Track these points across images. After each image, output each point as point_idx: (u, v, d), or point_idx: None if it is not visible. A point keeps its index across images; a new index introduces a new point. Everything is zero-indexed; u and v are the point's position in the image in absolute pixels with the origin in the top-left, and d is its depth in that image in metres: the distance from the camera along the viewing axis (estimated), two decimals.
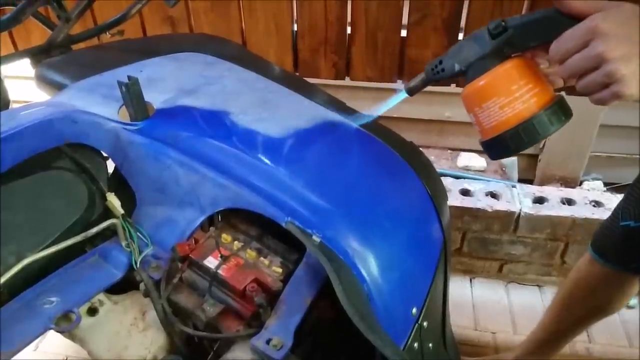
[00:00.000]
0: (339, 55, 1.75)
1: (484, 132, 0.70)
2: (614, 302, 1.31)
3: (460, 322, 1.76)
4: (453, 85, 1.76)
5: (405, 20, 1.66)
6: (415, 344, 0.85)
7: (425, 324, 0.86)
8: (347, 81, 1.83)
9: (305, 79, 1.22)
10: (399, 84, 1.80)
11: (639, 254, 1.15)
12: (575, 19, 0.61)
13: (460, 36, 1.65)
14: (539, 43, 0.66)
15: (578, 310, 1.37)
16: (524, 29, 0.66)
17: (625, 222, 1.13)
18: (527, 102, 0.65)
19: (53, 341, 1.68)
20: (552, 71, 0.70)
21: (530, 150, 2.44)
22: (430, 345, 0.91)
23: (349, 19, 1.68)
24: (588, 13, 0.60)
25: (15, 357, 0.69)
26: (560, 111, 0.66)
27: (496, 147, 0.69)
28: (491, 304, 1.85)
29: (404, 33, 1.68)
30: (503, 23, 0.66)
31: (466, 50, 0.69)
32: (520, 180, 2.29)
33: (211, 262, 0.75)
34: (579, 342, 1.70)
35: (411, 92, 0.78)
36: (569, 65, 0.62)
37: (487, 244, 1.88)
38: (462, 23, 1.63)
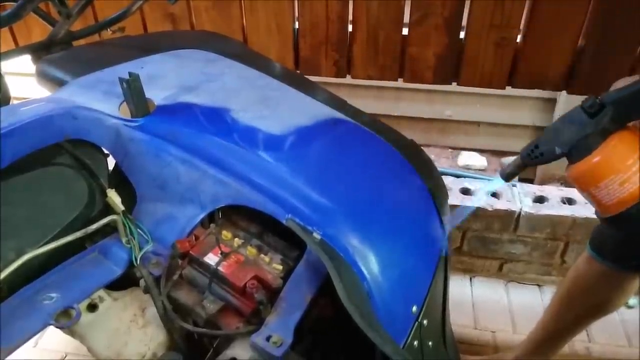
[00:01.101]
0: (340, 54, 1.75)
1: (606, 209, 0.70)
2: (613, 301, 1.31)
3: (460, 321, 1.76)
4: (454, 84, 1.76)
5: (406, 19, 1.66)
6: (415, 342, 0.85)
7: (425, 322, 0.86)
8: (348, 79, 1.83)
9: (306, 76, 1.22)
10: (400, 82, 1.81)
11: (637, 252, 1.15)
12: None
13: (462, 35, 1.65)
14: None
15: (577, 309, 1.37)
16: (624, 104, 0.66)
17: None
18: None
19: (52, 338, 1.68)
20: None
21: None
22: (430, 343, 0.91)
23: (350, 18, 1.68)
24: None
25: (14, 354, 0.69)
26: None
27: (621, 221, 0.69)
28: (491, 303, 1.85)
29: (405, 32, 1.68)
30: (598, 100, 0.66)
31: (564, 132, 0.69)
32: (521, 180, 2.29)
33: (211, 258, 0.75)
34: (579, 342, 1.70)
35: (507, 178, 0.78)
36: None
37: (487, 243, 1.87)
38: (464, 22, 1.63)
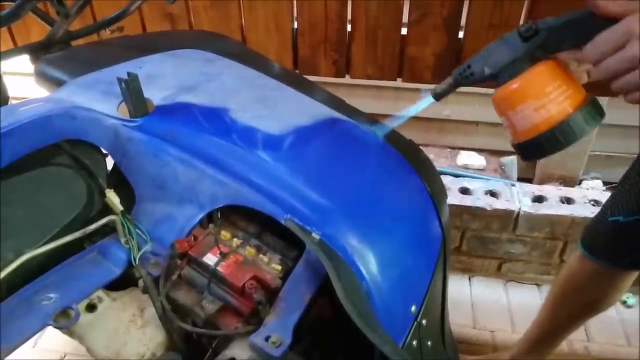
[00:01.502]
0: (339, 53, 1.75)
1: (518, 135, 0.70)
2: (606, 298, 1.32)
3: (459, 321, 1.76)
4: None
5: (405, 18, 1.66)
6: (414, 342, 0.85)
7: (424, 322, 0.86)
8: (347, 79, 1.83)
9: (305, 76, 1.22)
10: (399, 82, 1.81)
11: (628, 249, 1.16)
12: (610, 20, 0.61)
13: (461, 34, 1.65)
14: (571, 45, 0.66)
15: (571, 308, 1.37)
16: (557, 32, 0.66)
17: (615, 217, 1.13)
18: (562, 104, 0.65)
19: (51, 338, 1.68)
20: (580, 70, 0.70)
21: None
22: (429, 343, 0.91)
23: (349, 17, 1.68)
24: (623, 15, 0.61)
25: (13, 354, 0.69)
26: (594, 111, 0.67)
27: (531, 149, 0.69)
28: (490, 303, 1.85)
29: (404, 31, 1.68)
30: (534, 26, 0.66)
31: (496, 53, 0.69)
32: (520, 179, 2.30)
33: (210, 259, 0.75)
34: (578, 341, 1.70)
35: (437, 97, 0.77)
36: (605, 67, 0.62)
37: (486, 242, 1.88)
38: (462, 22, 1.63)
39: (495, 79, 0.70)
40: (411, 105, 0.79)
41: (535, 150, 0.69)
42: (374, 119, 1.02)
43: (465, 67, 0.72)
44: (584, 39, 0.63)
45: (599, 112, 0.67)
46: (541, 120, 0.66)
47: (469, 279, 1.96)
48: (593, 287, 1.29)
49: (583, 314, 1.38)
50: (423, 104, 0.79)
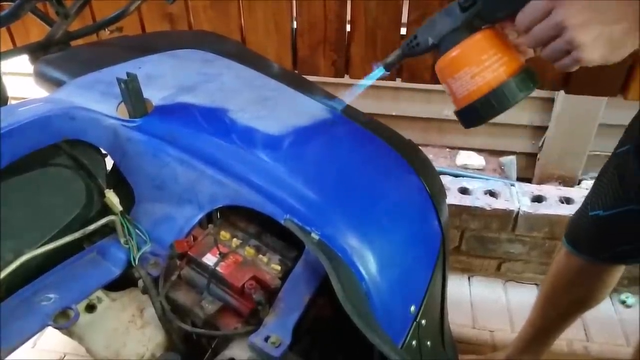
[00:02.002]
0: (338, 54, 1.75)
1: (457, 102, 0.73)
2: (594, 294, 1.32)
3: (458, 321, 1.76)
4: None
5: (404, 18, 1.66)
6: (414, 342, 0.85)
7: (423, 322, 0.86)
8: (347, 79, 1.83)
9: (304, 76, 1.21)
10: (398, 82, 1.81)
11: (609, 243, 1.17)
12: None
13: None
14: (506, 14, 0.68)
15: (561, 304, 1.38)
16: (491, 2, 0.69)
17: (594, 211, 1.15)
18: (497, 71, 0.68)
19: (51, 338, 1.68)
20: (521, 41, 0.72)
21: (529, 149, 2.45)
22: (429, 343, 0.91)
23: (348, 17, 1.68)
24: None
25: (13, 355, 0.69)
26: (527, 79, 0.69)
27: (468, 115, 0.72)
28: (489, 303, 1.86)
29: (403, 31, 1.68)
30: None
31: (439, 24, 0.72)
32: (519, 179, 2.30)
33: (210, 259, 0.75)
34: (577, 341, 1.70)
35: (388, 67, 0.80)
36: (533, 34, 0.65)
37: (485, 242, 1.88)
38: None
39: (437, 49, 0.72)
40: (364, 79, 0.82)
41: (473, 116, 0.71)
42: (373, 119, 1.02)
43: (412, 37, 0.75)
44: (517, 9, 0.66)
45: (533, 80, 0.70)
46: (477, 87, 0.69)
47: (469, 278, 1.96)
48: (580, 283, 1.31)
49: (573, 310, 1.39)
50: (375, 75, 0.81)
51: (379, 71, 0.80)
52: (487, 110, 0.69)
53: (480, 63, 0.68)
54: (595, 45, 0.63)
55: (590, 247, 1.21)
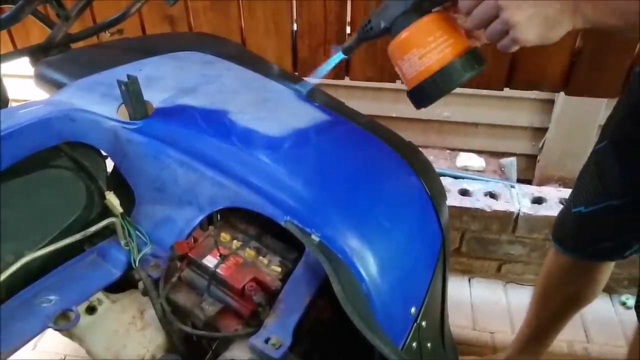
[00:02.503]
0: None
1: (408, 83, 0.75)
2: (585, 292, 1.34)
3: (458, 322, 1.76)
4: None
5: None
6: (414, 344, 0.85)
7: (423, 323, 0.86)
8: (347, 81, 1.83)
9: (304, 78, 1.22)
10: (398, 84, 1.81)
11: (593, 239, 1.18)
12: None
13: None
14: None
15: (553, 304, 1.39)
16: None
17: (577, 208, 1.17)
18: (443, 52, 0.70)
19: (51, 340, 1.68)
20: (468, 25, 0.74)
21: (529, 151, 2.45)
22: (429, 344, 0.91)
23: (348, 19, 1.68)
24: None
25: (13, 356, 0.69)
26: (472, 59, 0.72)
27: (418, 95, 0.75)
28: (490, 304, 1.86)
29: None
30: None
31: (390, 7, 0.74)
32: (519, 181, 2.30)
33: (210, 261, 0.75)
34: (577, 342, 1.70)
35: (346, 52, 0.82)
36: (474, 16, 0.68)
37: (485, 244, 1.88)
38: None
39: (389, 32, 0.75)
40: (325, 63, 0.83)
41: (421, 96, 0.74)
42: (373, 120, 1.02)
43: (366, 22, 0.77)
44: None
45: (478, 61, 0.72)
46: (425, 68, 0.71)
47: (469, 280, 1.96)
48: (570, 282, 1.32)
49: (566, 309, 1.40)
50: (334, 60, 0.82)
51: (338, 56, 0.82)
52: (434, 90, 0.72)
53: (427, 45, 0.70)
54: (530, 25, 0.65)
55: (575, 244, 1.23)
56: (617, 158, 1.06)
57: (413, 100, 0.77)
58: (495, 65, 1.65)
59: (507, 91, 1.74)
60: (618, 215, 1.09)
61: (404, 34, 0.72)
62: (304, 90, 0.95)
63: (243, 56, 1.19)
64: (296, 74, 1.77)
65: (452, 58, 0.70)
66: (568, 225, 1.22)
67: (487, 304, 1.85)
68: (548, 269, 1.36)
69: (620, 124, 1.07)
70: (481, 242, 1.87)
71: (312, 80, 0.86)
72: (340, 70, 1.78)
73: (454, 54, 0.70)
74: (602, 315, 1.78)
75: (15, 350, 0.69)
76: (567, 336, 1.71)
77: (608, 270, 1.29)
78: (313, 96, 1.02)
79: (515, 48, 0.68)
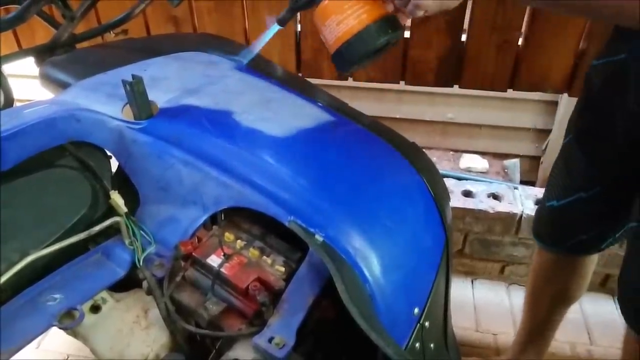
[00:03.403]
0: None
1: (330, 48, 0.79)
2: (571, 287, 1.35)
3: (461, 324, 1.76)
4: (456, 86, 1.76)
5: (408, 21, 1.66)
6: (417, 344, 0.85)
7: (427, 324, 0.86)
8: (350, 82, 1.83)
9: (307, 79, 1.22)
10: (402, 85, 1.81)
11: (566, 233, 1.20)
12: None
13: (464, 37, 1.65)
14: None
15: (543, 302, 1.40)
16: None
17: (550, 202, 1.19)
18: (358, 18, 0.74)
19: (55, 339, 1.68)
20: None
21: (532, 152, 2.45)
22: (432, 345, 0.91)
23: None
24: None
25: (17, 355, 0.69)
26: (387, 25, 0.75)
27: (338, 59, 0.78)
28: (493, 306, 1.85)
29: (407, 34, 1.68)
30: None
31: None
32: (523, 182, 2.30)
33: (214, 260, 0.75)
34: (580, 344, 1.70)
35: (281, 22, 0.85)
36: None
37: (488, 245, 1.88)
38: (465, 25, 1.64)
39: (315, 2, 0.78)
40: (262, 37, 0.87)
41: (341, 59, 0.78)
42: (376, 121, 1.02)
43: None
44: None
45: (392, 27, 0.76)
46: (342, 33, 0.75)
47: (472, 281, 1.96)
48: (555, 278, 1.34)
49: (557, 305, 1.41)
50: (271, 31, 0.86)
51: (274, 27, 0.85)
52: (351, 54, 0.76)
53: (344, 11, 0.74)
54: None
55: (551, 238, 1.25)
56: (582, 151, 1.08)
57: (335, 64, 0.80)
58: (499, 66, 1.65)
59: (510, 92, 1.74)
60: (588, 207, 1.11)
61: (324, 2, 0.76)
62: (244, 60, 0.96)
63: None
64: (300, 74, 1.78)
65: (368, 23, 0.74)
66: (543, 220, 1.25)
67: (490, 306, 1.85)
68: (534, 268, 1.39)
69: (581, 117, 1.09)
70: (484, 244, 1.87)
71: (254, 51, 0.89)
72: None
73: (369, 19, 0.74)
74: (605, 318, 1.78)
75: (21, 348, 0.69)
76: (570, 338, 1.71)
77: (591, 264, 1.31)
78: (316, 96, 1.02)
79: (420, 14, 0.75)
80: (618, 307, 1.80)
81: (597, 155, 1.06)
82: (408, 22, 1.64)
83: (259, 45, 0.87)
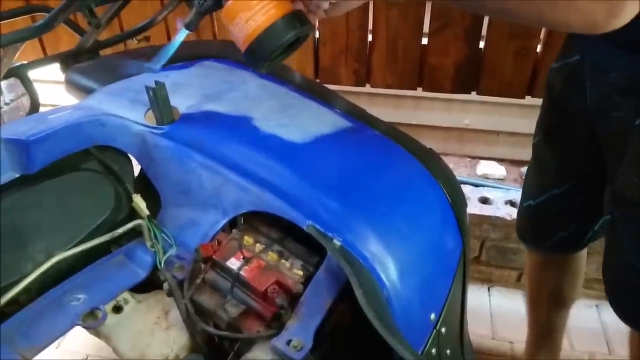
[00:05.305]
0: (359, 63, 1.77)
1: (241, 47, 0.78)
2: (564, 286, 1.35)
3: (477, 331, 1.75)
4: (473, 93, 1.76)
5: (426, 28, 1.67)
6: (433, 350, 0.85)
7: (443, 330, 0.87)
8: (368, 88, 1.84)
9: (325, 85, 1.23)
10: (419, 91, 1.82)
11: (546, 232, 1.22)
12: None
13: (481, 44, 1.65)
14: None
15: (542, 305, 1.41)
16: None
17: (526, 202, 1.22)
18: (267, 14, 0.75)
19: (74, 340, 1.71)
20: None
21: None
22: (448, 351, 0.91)
23: (370, 27, 1.70)
24: None
25: (38, 355, 0.71)
26: (294, 20, 0.76)
27: (250, 56, 0.78)
28: (509, 314, 1.84)
29: (424, 41, 1.69)
30: None
31: None
32: None
33: (233, 263, 0.76)
34: (599, 354, 1.68)
35: (189, 27, 0.84)
36: None
37: (505, 252, 1.86)
38: (483, 31, 1.64)
39: (223, 3, 0.78)
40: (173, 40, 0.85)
41: (253, 56, 0.77)
42: (393, 127, 1.03)
43: None
44: None
45: (300, 22, 0.76)
46: (252, 30, 0.75)
47: (488, 289, 1.94)
48: (548, 279, 1.35)
49: (555, 306, 1.41)
50: (180, 36, 0.85)
51: (182, 32, 0.85)
52: (262, 49, 0.76)
53: (251, 8, 0.74)
54: None
55: (532, 237, 1.27)
56: (550, 149, 1.12)
57: (249, 62, 0.80)
58: (517, 73, 1.65)
59: (528, 99, 1.74)
60: (562, 203, 1.14)
61: (230, 2, 0.76)
62: (156, 67, 0.91)
63: None
64: (318, 80, 1.79)
65: (276, 19, 0.75)
66: (524, 221, 1.27)
67: (506, 314, 1.84)
68: (527, 272, 1.40)
69: (546, 117, 1.13)
70: (501, 251, 1.86)
71: (163, 58, 0.86)
72: (362, 78, 1.79)
73: (277, 15, 0.75)
74: (624, 328, 1.75)
75: (46, 346, 0.71)
76: (589, 347, 1.69)
77: (579, 261, 1.32)
78: (334, 102, 1.03)
79: (325, 5, 0.77)
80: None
81: (564, 153, 1.09)
82: (426, 28, 1.65)
83: (168, 51, 0.86)
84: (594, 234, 1.18)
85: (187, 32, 0.84)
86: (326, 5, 0.78)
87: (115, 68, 1.11)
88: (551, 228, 1.20)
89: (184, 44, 1.33)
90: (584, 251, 1.29)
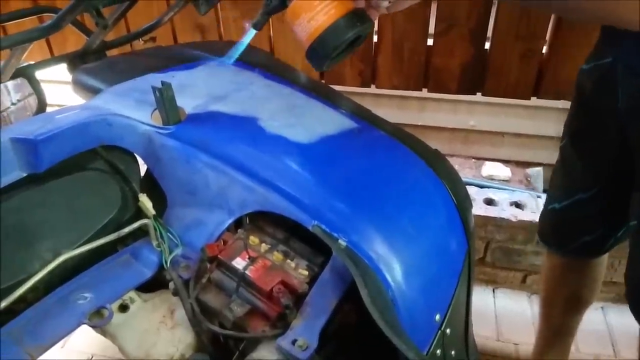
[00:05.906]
0: (365, 64, 1.77)
1: (304, 43, 0.80)
2: (582, 289, 1.34)
3: (482, 332, 1.75)
4: (479, 94, 1.76)
5: (431, 29, 1.67)
6: (438, 351, 0.85)
7: (448, 331, 0.86)
8: (373, 89, 1.84)
9: (330, 86, 1.23)
10: (424, 92, 1.82)
11: (570, 235, 1.20)
12: None
13: (487, 46, 1.65)
14: None
15: (557, 307, 1.40)
16: None
17: (551, 205, 1.20)
18: (328, 14, 0.76)
19: (79, 339, 1.72)
20: None
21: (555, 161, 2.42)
22: (453, 352, 0.91)
23: (375, 28, 1.70)
24: None
25: (43, 355, 0.71)
26: (355, 19, 0.77)
27: (312, 55, 0.80)
28: (514, 315, 1.84)
29: (430, 42, 1.69)
30: None
31: None
32: (545, 191, 2.27)
33: (239, 263, 0.77)
34: (604, 356, 1.67)
35: (256, 27, 0.86)
36: None
37: (510, 254, 1.86)
38: (489, 33, 1.64)
39: (287, 2, 0.80)
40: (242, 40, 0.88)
41: (315, 56, 0.79)
42: (399, 128, 1.03)
43: None
44: None
45: (360, 20, 0.77)
46: (314, 29, 0.77)
47: (493, 290, 1.94)
48: (566, 282, 1.33)
49: (570, 309, 1.40)
50: (248, 36, 0.87)
51: (250, 32, 0.87)
52: (323, 48, 0.77)
53: (313, 8, 0.76)
54: None
55: (556, 240, 1.25)
56: (578, 152, 1.11)
57: (311, 62, 0.81)
58: (523, 74, 1.65)
59: (534, 100, 1.73)
60: (588, 208, 1.12)
61: (295, 2, 0.78)
62: (229, 61, 0.94)
63: (272, 64, 1.21)
64: (323, 81, 1.79)
65: (337, 18, 0.76)
66: (547, 223, 1.26)
67: (511, 315, 1.84)
68: (544, 273, 1.39)
69: (574, 120, 1.12)
70: (506, 252, 1.86)
71: (235, 55, 0.89)
72: (367, 79, 1.79)
73: (338, 14, 0.76)
74: (630, 330, 1.74)
75: (52, 345, 0.71)
76: (594, 350, 1.68)
77: (600, 266, 1.30)
78: (340, 103, 1.04)
79: (385, 4, 0.79)
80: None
81: (592, 156, 1.08)
82: (431, 29, 1.66)
83: (237, 51, 0.89)
84: (617, 240, 1.17)
85: (255, 31, 0.86)
86: (386, 3, 0.79)
87: (122, 69, 1.11)
88: (576, 232, 1.19)
89: (190, 44, 1.34)
90: (605, 256, 1.27)
